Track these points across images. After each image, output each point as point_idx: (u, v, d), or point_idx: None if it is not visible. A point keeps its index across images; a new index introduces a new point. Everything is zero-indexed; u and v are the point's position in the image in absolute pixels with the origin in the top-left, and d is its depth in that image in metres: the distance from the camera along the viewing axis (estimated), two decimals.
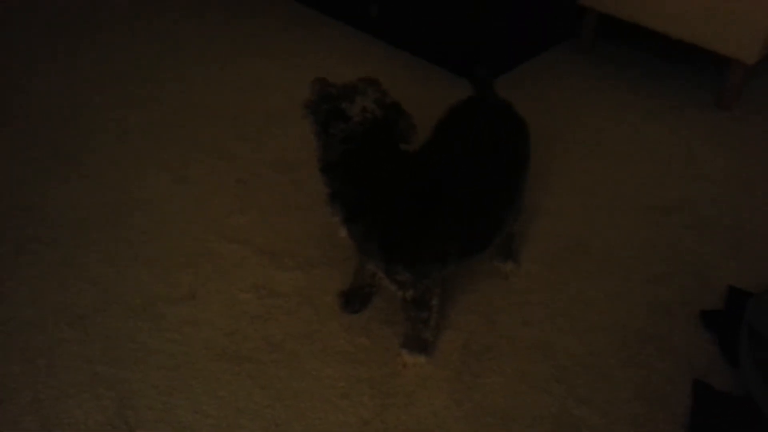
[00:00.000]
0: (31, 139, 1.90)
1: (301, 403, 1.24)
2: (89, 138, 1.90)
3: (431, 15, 2.23)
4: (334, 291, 1.45)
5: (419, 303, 1.24)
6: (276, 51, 2.37)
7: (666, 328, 1.42)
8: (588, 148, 1.96)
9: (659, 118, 2.11)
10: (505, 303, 1.46)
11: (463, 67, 2.22)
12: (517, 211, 1.44)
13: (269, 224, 1.64)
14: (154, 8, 2.62)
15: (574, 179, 1.83)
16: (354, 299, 1.43)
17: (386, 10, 2.37)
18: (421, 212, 1.16)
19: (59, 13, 2.55)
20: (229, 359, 1.31)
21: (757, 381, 1.22)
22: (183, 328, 1.37)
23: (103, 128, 1.94)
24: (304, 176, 1.77)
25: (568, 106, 2.14)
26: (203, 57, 2.32)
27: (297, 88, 2.15)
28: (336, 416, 1.22)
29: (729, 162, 1.93)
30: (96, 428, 1.18)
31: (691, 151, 1.97)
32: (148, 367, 1.29)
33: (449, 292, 1.46)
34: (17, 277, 1.47)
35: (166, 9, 2.62)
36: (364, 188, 1.12)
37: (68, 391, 1.24)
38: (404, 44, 2.39)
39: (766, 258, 1.60)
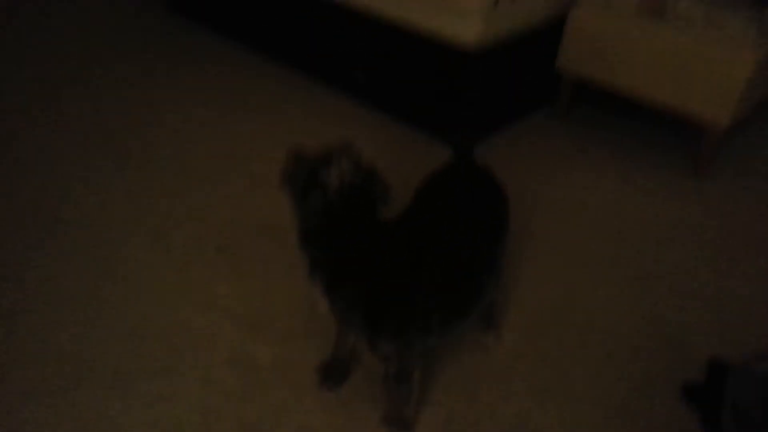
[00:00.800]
0: (9, 205, 1.88)
1: None
2: (70, 205, 1.89)
3: (414, 82, 2.28)
4: (312, 365, 1.43)
5: (401, 377, 1.22)
6: (262, 114, 2.40)
7: (648, 402, 1.40)
8: (567, 212, 1.98)
9: (636, 183, 2.14)
10: (486, 376, 1.44)
11: (445, 131, 2.26)
12: (497, 278, 1.44)
13: (249, 292, 1.62)
14: (139, 74, 2.65)
15: (553, 244, 1.84)
16: (332, 374, 1.40)
17: (371, 76, 2.42)
18: (404, 282, 1.15)
19: (45, 76, 2.57)
20: None
21: None
22: (155, 405, 1.33)
23: (84, 196, 1.93)
24: (286, 241, 1.77)
25: (546, 171, 2.17)
26: (188, 121, 2.34)
27: (281, 151, 2.18)
28: None
29: (709, 229, 1.96)
30: None
31: (669, 217, 2.00)
32: None
33: (430, 365, 1.44)
34: None
35: (152, 73, 2.66)
36: (345, 258, 1.11)
37: None
38: (388, 108, 2.43)
39: (747, 326, 1.61)
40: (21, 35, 2.89)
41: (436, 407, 1.36)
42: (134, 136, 2.22)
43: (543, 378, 1.44)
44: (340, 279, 1.13)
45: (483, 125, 2.32)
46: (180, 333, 1.50)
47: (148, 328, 1.51)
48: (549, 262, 1.77)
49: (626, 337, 1.56)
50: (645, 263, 1.80)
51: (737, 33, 2.01)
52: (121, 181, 1.99)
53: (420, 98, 2.30)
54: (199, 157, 2.14)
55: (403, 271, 1.15)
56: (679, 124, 2.25)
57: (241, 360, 1.44)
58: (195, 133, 2.27)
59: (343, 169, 1.10)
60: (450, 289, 1.22)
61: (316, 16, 2.49)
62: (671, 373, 1.47)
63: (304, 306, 1.56)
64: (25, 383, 1.36)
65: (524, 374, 1.45)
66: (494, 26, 2.07)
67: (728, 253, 1.86)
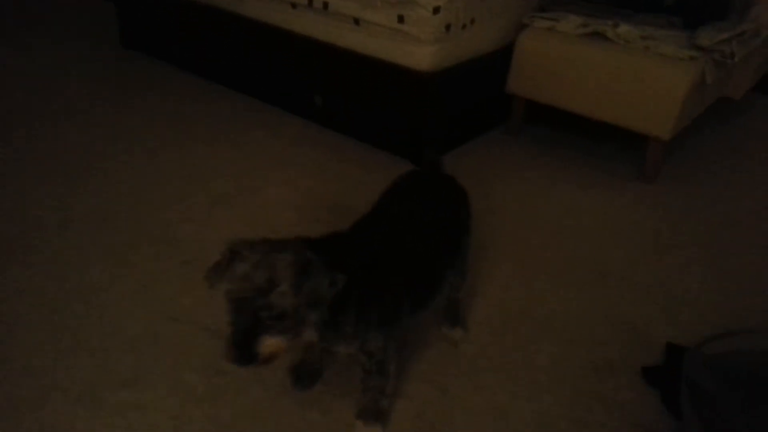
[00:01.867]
0: None
1: None
2: (31, 227, 1.87)
3: (371, 104, 2.36)
4: (284, 367, 1.43)
5: (383, 369, 1.25)
6: (221, 138, 2.44)
7: (611, 386, 1.46)
8: (524, 220, 2.06)
9: (588, 192, 2.25)
10: (456, 370, 1.47)
11: (406, 150, 2.33)
12: (462, 276, 1.50)
13: (216, 303, 1.61)
14: (95, 98, 2.67)
15: (512, 250, 1.91)
16: (304, 375, 1.41)
17: (330, 100, 2.49)
18: (381, 277, 1.18)
19: None
20: None
21: (698, 430, 1.26)
22: (126, 413, 1.31)
23: (45, 218, 1.91)
24: None
25: (502, 183, 2.26)
26: (146, 144, 2.35)
27: (242, 172, 2.23)
28: None
29: (655, 228, 2.07)
30: None
31: (621, 221, 2.10)
32: None
33: (401, 362, 1.47)
34: None
35: (106, 98, 2.67)
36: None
37: None
38: (347, 130, 2.50)
39: (697, 316, 1.69)
40: None
41: (408, 400, 1.38)
42: (92, 164, 2.22)
43: (510, 369, 1.49)
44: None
45: (440, 143, 2.41)
46: (148, 344, 1.49)
47: (114, 341, 1.50)
48: (510, 265, 1.84)
49: (587, 328, 1.62)
50: (600, 262, 1.88)
51: (673, 53, 2.16)
52: (81, 207, 1.98)
53: (379, 119, 2.38)
54: (159, 181, 2.15)
55: (380, 268, 1.19)
56: (625, 136, 2.38)
57: (212, 366, 1.44)
58: (153, 158, 2.28)
59: (285, 287, 0.99)
60: (416, 281, 1.27)
61: (272, 44, 2.56)
62: (631, 359, 1.53)
63: None
64: None
65: (492, 367, 1.49)
66: (447, 52, 2.18)
67: (675, 249, 1.97)
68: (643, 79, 2.18)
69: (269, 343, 0.99)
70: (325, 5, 2.27)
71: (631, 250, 1.95)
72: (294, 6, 2.40)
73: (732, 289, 1.81)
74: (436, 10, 2.05)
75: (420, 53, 2.13)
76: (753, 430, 1.29)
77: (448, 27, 2.11)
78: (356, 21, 2.23)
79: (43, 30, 3.48)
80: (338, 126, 2.52)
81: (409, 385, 1.42)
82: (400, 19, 2.10)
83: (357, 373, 1.39)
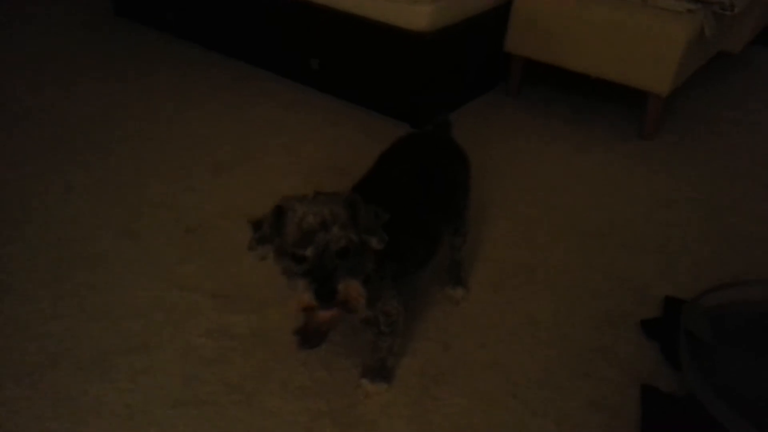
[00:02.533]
0: None
1: None
2: (33, 199, 1.88)
3: (368, 67, 2.34)
4: (289, 329, 1.46)
5: (394, 331, 1.27)
6: (218, 105, 2.43)
7: (611, 339, 1.49)
8: (524, 180, 2.07)
9: (587, 150, 2.25)
10: (459, 328, 1.50)
11: (404, 112, 2.32)
12: (462, 237, 1.51)
13: (221, 270, 1.64)
14: (96, 68, 2.65)
15: (513, 209, 1.92)
16: (310, 336, 1.44)
17: (326, 63, 2.47)
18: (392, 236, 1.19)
19: None
20: (187, 404, 1.29)
21: (698, 380, 1.29)
22: (136, 378, 1.35)
23: (47, 189, 1.92)
24: None
25: (502, 144, 2.26)
26: (147, 114, 2.34)
27: (241, 139, 2.22)
28: None
29: (654, 185, 2.08)
30: None
31: (620, 178, 2.11)
32: (102, 419, 1.26)
33: (406, 321, 1.49)
34: None
35: (100, 67, 2.65)
36: None
37: None
38: (344, 94, 2.48)
39: (697, 269, 1.71)
40: None
41: (412, 358, 1.42)
42: (89, 134, 2.22)
43: (511, 326, 1.51)
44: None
45: (439, 105, 2.40)
46: (155, 310, 1.52)
47: (123, 307, 1.52)
48: (509, 224, 1.85)
49: (586, 284, 1.65)
50: (599, 219, 1.90)
51: (671, 6, 2.13)
52: (80, 177, 1.98)
53: (376, 82, 2.36)
54: (160, 150, 2.15)
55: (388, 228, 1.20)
56: (624, 95, 2.37)
57: (219, 330, 1.47)
58: (153, 127, 2.28)
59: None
60: (418, 240, 1.30)
61: (267, 8, 2.53)
62: (631, 313, 1.56)
63: (275, 278, 1.59)
64: (2, 364, 1.36)
65: (494, 324, 1.52)
66: (444, 11, 2.15)
67: (674, 205, 1.98)
68: (641, 33, 2.16)
69: (348, 286, 1.01)
70: None
71: (630, 206, 1.96)
72: None
73: (730, 242, 1.83)
74: None
75: (417, 13, 2.11)
76: (750, 379, 1.33)
77: None
78: None
79: None
80: (335, 90, 2.51)
81: (412, 342, 1.45)
82: None
83: (360, 332, 1.42)
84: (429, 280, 1.61)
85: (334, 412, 1.29)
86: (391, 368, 1.34)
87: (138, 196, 1.92)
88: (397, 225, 1.22)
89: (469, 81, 2.54)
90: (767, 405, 1.25)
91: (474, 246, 1.72)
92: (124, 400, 1.29)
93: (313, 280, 1.00)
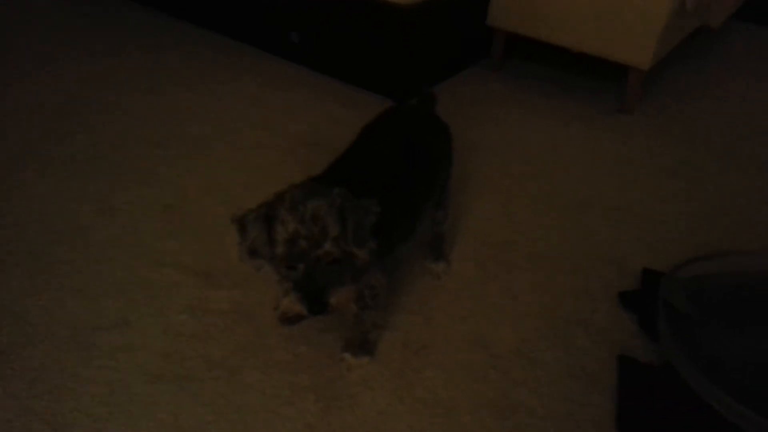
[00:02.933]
0: None
1: (245, 415, 1.23)
2: (7, 175, 1.84)
3: (350, 40, 2.31)
4: (271, 305, 1.46)
5: (377, 304, 1.27)
6: (199, 81, 2.38)
7: (589, 311, 1.50)
8: (506, 154, 2.07)
9: (569, 124, 2.25)
10: (440, 301, 1.51)
11: (385, 87, 2.30)
12: (445, 211, 1.51)
13: (201, 246, 1.63)
14: (72, 42, 2.58)
15: (495, 183, 1.92)
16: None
17: (307, 36, 2.43)
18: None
19: None
20: (168, 380, 1.29)
21: (675, 350, 1.31)
22: (116, 355, 1.33)
23: (23, 164, 1.88)
24: (234, 198, 1.78)
25: (484, 119, 2.26)
26: (124, 89, 2.30)
27: (220, 114, 2.19)
28: (282, 424, 1.22)
29: (634, 158, 2.09)
30: None
31: (601, 151, 2.12)
32: (81, 396, 1.25)
33: (388, 294, 1.50)
34: None
35: (84, 43, 2.58)
36: None
37: None
38: (325, 68, 2.45)
39: (674, 241, 1.73)
40: None
41: (394, 331, 1.42)
42: (66, 110, 2.17)
43: (492, 299, 1.52)
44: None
45: (421, 79, 2.38)
46: (135, 287, 1.50)
47: (101, 284, 1.50)
48: (491, 198, 1.86)
49: (566, 257, 1.66)
50: (580, 192, 1.91)
51: None
52: (57, 153, 1.94)
53: (358, 56, 2.33)
54: (137, 125, 2.11)
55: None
56: (606, 70, 2.37)
57: (200, 307, 1.46)
58: (129, 102, 2.23)
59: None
60: (400, 214, 1.29)
61: None
62: (610, 285, 1.57)
63: None
64: None
65: (475, 297, 1.53)
66: None
67: (654, 178, 1.99)
68: (622, 7, 2.15)
69: (339, 294, 1.04)
70: None
71: (611, 180, 1.98)
72: None
73: (708, 215, 1.85)
74: None
75: None
76: (726, 349, 1.35)
77: None
78: None
79: None
80: (316, 64, 2.47)
81: (394, 316, 1.45)
82: None
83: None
84: (411, 254, 1.62)
85: (316, 386, 1.29)
86: (374, 342, 1.35)
87: (115, 171, 1.88)
88: (380, 200, 1.21)
89: (451, 55, 2.51)
90: (742, 374, 1.28)
91: (455, 220, 1.72)
92: (104, 377, 1.28)
93: (305, 293, 1.01)
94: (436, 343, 1.40)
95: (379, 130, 1.39)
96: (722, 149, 2.18)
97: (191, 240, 1.64)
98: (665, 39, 2.20)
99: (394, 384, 1.31)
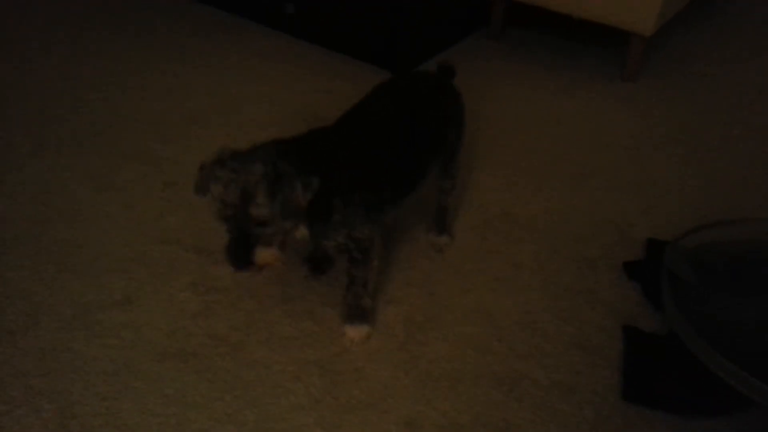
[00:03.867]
0: None
1: (251, 391, 1.23)
2: (7, 155, 1.81)
3: (347, 10, 2.27)
4: (273, 281, 1.45)
5: (366, 260, 1.27)
6: (193, 55, 2.34)
7: (593, 282, 1.50)
8: (507, 125, 2.05)
9: (571, 93, 2.23)
10: (443, 274, 1.50)
11: (382, 58, 2.26)
12: (452, 182, 1.51)
13: (201, 223, 1.62)
14: (67, 19, 2.53)
15: (497, 154, 1.90)
16: (318, 262, 1.47)
17: (302, 7, 2.38)
18: (361, 164, 1.22)
19: None
20: (173, 357, 1.29)
21: (679, 319, 1.31)
22: (121, 333, 1.34)
23: (18, 144, 1.86)
24: None
25: (485, 89, 2.23)
26: (118, 66, 2.26)
27: (216, 89, 2.16)
28: (288, 399, 1.22)
29: (637, 127, 2.07)
30: None
31: (603, 121, 2.09)
32: (88, 374, 1.25)
33: (388, 269, 1.50)
34: None
35: (79, 20, 2.54)
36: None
37: (1, 410, 1.18)
38: (321, 40, 2.41)
39: (678, 211, 1.72)
40: None
41: (397, 306, 1.42)
42: (60, 88, 2.13)
43: (495, 271, 1.52)
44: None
45: (420, 49, 2.34)
46: (137, 265, 1.50)
47: (102, 262, 1.50)
48: (492, 170, 1.84)
49: (569, 227, 1.65)
50: (582, 162, 1.89)
51: None
52: (54, 132, 1.92)
53: (354, 27, 2.29)
54: (133, 101, 2.08)
55: (362, 157, 1.23)
56: (607, 37, 2.33)
57: (203, 284, 1.45)
58: (124, 78, 2.20)
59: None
60: (396, 170, 1.30)
61: None
62: (613, 255, 1.57)
63: None
64: None
65: (477, 269, 1.52)
66: None
67: (656, 147, 1.98)
68: None
69: (264, 254, 1.08)
70: None
71: (613, 149, 1.96)
72: None
73: (711, 184, 1.84)
74: None
75: None
76: (730, 318, 1.35)
77: None
78: None
79: None
80: (311, 36, 2.43)
81: (398, 290, 1.45)
82: None
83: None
84: (414, 227, 1.61)
85: (321, 360, 1.30)
86: (369, 309, 1.34)
87: (114, 149, 1.86)
88: (374, 155, 1.22)
89: (449, 24, 2.47)
90: (748, 342, 1.28)
91: (457, 192, 1.70)
92: (108, 355, 1.29)
93: (232, 249, 1.07)
94: (439, 316, 1.40)
95: (389, 89, 1.39)
96: (727, 116, 2.16)
97: (192, 217, 1.63)
98: (668, 4, 2.16)
99: (399, 357, 1.31)
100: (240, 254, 1.07)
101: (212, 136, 1.93)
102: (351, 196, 1.19)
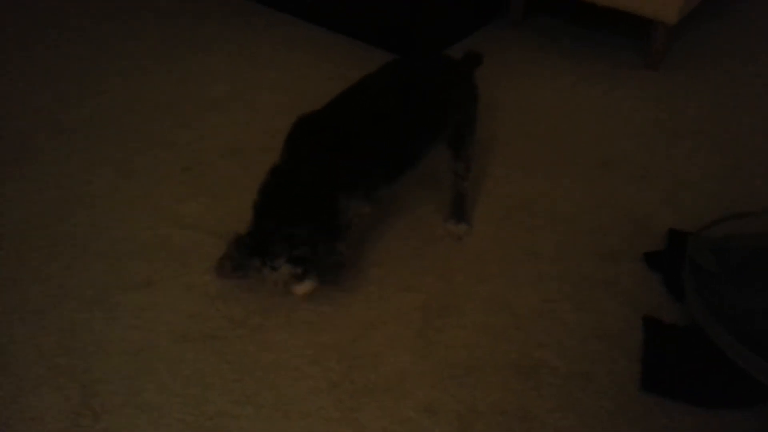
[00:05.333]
0: None
1: (270, 373, 1.24)
2: (26, 140, 1.83)
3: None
4: None
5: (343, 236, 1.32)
6: (213, 42, 2.34)
7: (613, 272, 1.49)
8: (527, 114, 2.03)
9: (592, 82, 2.20)
10: (461, 263, 1.50)
11: (401, 46, 2.25)
12: (466, 166, 1.51)
13: (221, 208, 1.63)
14: (84, 7, 2.55)
15: (516, 144, 1.89)
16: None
17: None
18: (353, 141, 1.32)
19: None
20: (193, 339, 1.30)
21: (701, 310, 1.30)
22: (142, 314, 1.35)
23: (41, 128, 1.88)
24: (251, 160, 1.76)
25: (505, 78, 2.21)
26: (139, 52, 2.27)
27: (237, 77, 2.16)
28: (306, 382, 1.23)
29: (659, 117, 2.04)
30: (61, 418, 1.15)
31: (624, 110, 2.07)
32: (109, 354, 1.27)
33: (406, 257, 1.50)
34: None
35: (95, 8, 2.55)
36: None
37: (26, 387, 1.20)
38: (340, 27, 2.40)
39: (699, 201, 1.70)
40: None
41: (415, 293, 1.42)
42: (79, 73, 2.15)
43: (514, 260, 1.51)
44: None
45: (440, 38, 2.32)
46: (156, 249, 1.51)
47: (123, 246, 1.51)
48: (512, 158, 1.83)
49: (590, 217, 1.64)
50: (603, 151, 1.87)
51: None
52: (73, 116, 1.93)
53: (372, 14, 2.28)
54: (152, 87, 2.09)
55: (354, 133, 1.31)
56: (630, 25, 2.30)
57: None
58: (145, 64, 2.21)
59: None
60: (390, 147, 1.35)
61: None
62: (634, 246, 1.55)
63: None
64: (6, 304, 1.36)
65: (496, 258, 1.52)
66: None
67: (679, 137, 1.95)
68: None
69: (302, 287, 1.30)
70: None
71: (635, 138, 1.93)
72: None
73: (734, 175, 1.81)
74: None
75: None
76: (754, 308, 1.34)
77: None
78: None
79: None
80: (330, 23, 2.42)
81: (415, 278, 1.45)
82: None
83: (364, 268, 1.43)
84: (432, 216, 1.61)
85: (339, 345, 1.30)
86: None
87: (133, 133, 1.88)
88: (367, 131, 1.29)
89: (469, 11, 2.45)
90: None
91: (476, 181, 1.70)
92: (129, 337, 1.30)
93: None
94: (458, 305, 1.40)
95: (396, 66, 1.43)
96: (750, 108, 2.12)
97: (211, 202, 1.64)
98: None
99: (417, 344, 1.31)
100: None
101: (229, 122, 1.93)
102: (352, 190, 1.28)
